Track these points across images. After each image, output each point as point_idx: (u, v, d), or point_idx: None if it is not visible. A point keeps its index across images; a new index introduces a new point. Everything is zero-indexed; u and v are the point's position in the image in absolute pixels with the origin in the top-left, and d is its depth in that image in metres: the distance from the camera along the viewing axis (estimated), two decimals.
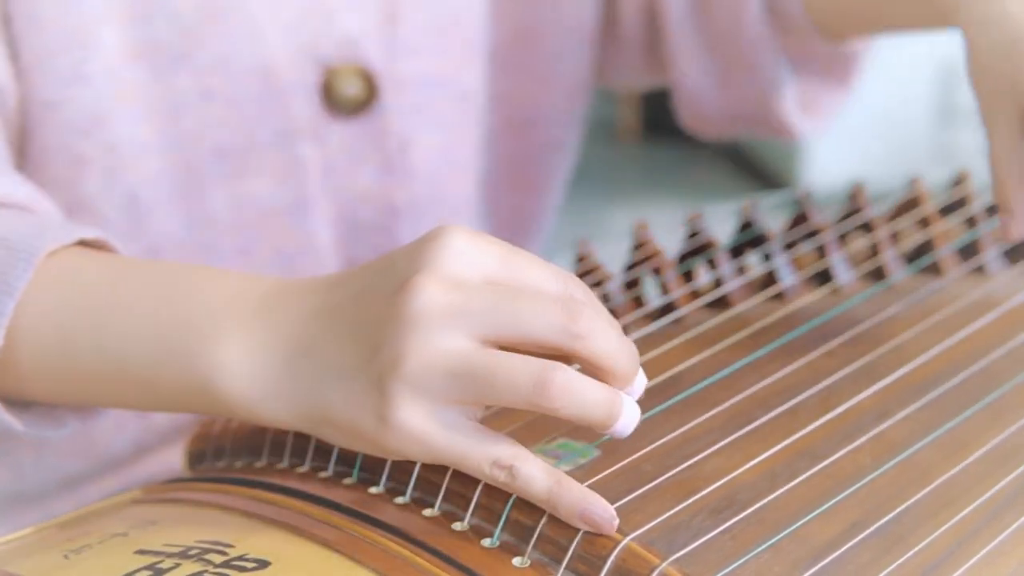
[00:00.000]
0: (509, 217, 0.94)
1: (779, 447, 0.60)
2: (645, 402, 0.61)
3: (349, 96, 0.79)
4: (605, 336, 0.53)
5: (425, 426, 0.53)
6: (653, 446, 0.59)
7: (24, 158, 0.75)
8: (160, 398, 0.60)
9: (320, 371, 0.55)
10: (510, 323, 0.52)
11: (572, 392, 0.52)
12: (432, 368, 0.52)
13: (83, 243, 0.65)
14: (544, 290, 0.53)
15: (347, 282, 0.56)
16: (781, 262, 0.78)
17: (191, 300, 0.59)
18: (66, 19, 0.72)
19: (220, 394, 0.57)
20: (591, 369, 0.53)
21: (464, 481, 0.56)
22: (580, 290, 0.54)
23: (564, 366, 0.52)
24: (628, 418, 0.54)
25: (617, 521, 0.53)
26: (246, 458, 0.64)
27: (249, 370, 0.56)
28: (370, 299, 0.54)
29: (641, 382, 0.56)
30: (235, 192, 0.78)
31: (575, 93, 0.91)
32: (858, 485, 0.58)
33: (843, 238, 0.82)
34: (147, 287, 0.62)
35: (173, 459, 0.79)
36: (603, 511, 0.52)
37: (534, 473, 0.53)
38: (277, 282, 0.59)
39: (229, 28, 0.76)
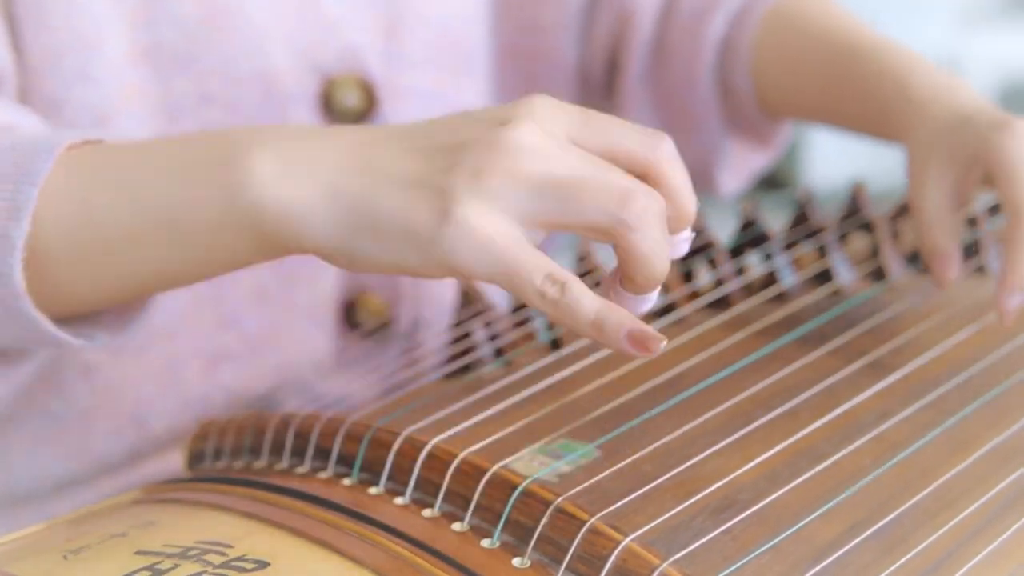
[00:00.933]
0: None
1: (780, 447, 0.60)
2: (645, 402, 0.62)
3: (348, 106, 0.80)
4: (651, 236, 0.53)
5: (488, 227, 0.52)
6: (653, 446, 0.59)
7: None
8: (187, 242, 0.58)
9: (374, 182, 0.54)
10: (595, 175, 0.53)
11: (650, 222, 0.53)
12: (517, 182, 0.52)
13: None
14: (627, 150, 0.55)
15: (422, 122, 0.56)
16: (781, 262, 0.78)
17: (222, 134, 0.58)
18: (73, 20, 0.73)
19: (251, 208, 0.55)
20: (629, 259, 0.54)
21: (464, 481, 0.56)
22: (668, 145, 0.55)
23: (651, 191, 0.53)
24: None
25: (665, 341, 0.53)
26: (245, 458, 0.64)
27: (286, 179, 0.55)
28: (456, 129, 0.55)
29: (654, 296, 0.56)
30: None
31: None
32: (859, 485, 0.58)
33: (843, 238, 0.82)
34: (172, 141, 0.61)
35: (170, 465, 0.79)
36: (651, 330, 0.53)
37: (585, 291, 0.53)
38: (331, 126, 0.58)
39: (231, 34, 0.76)
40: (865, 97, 0.79)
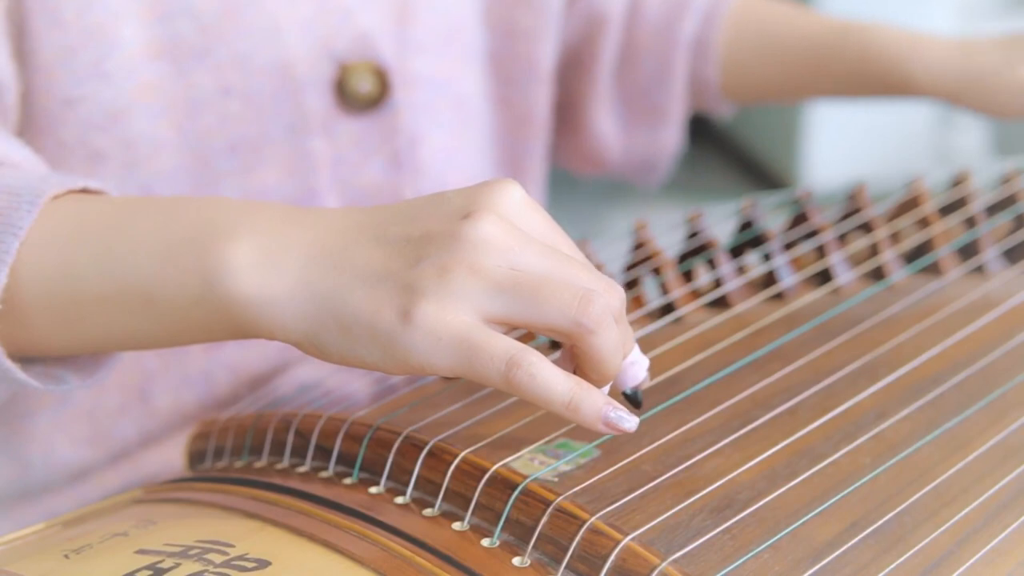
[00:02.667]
0: None
1: (779, 447, 0.60)
2: (645, 402, 0.62)
3: (362, 92, 0.80)
4: (609, 338, 0.54)
5: (448, 323, 0.52)
6: (653, 446, 0.59)
7: (39, 153, 0.75)
8: (161, 316, 0.58)
9: (342, 276, 0.54)
10: (556, 274, 0.54)
11: (609, 324, 0.53)
12: (478, 279, 0.53)
13: (86, 192, 0.65)
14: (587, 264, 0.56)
15: (390, 208, 0.56)
16: (781, 262, 0.78)
17: (202, 211, 0.58)
18: (86, 17, 0.73)
19: (225, 295, 0.56)
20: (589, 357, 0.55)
21: (464, 481, 0.56)
22: (616, 296, 0.55)
23: (611, 287, 0.54)
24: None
25: (637, 422, 0.54)
26: (246, 457, 0.64)
27: (260, 270, 0.55)
28: (421, 220, 0.55)
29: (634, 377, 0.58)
30: (246, 185, 0.79)
31: (526, 125, 0.94)
32: (858, 485, 0.58)
33: (843, 238, 0.82)
34: (154, 210, 0.61)
35: (175, 453, 0.79)
36: (627, 413, 0.54)
37: (555, 374, 0.53)
38: (306, 206, 0.58)
39: (248, 25, 0.76)
40: (867, 61, 0.91)
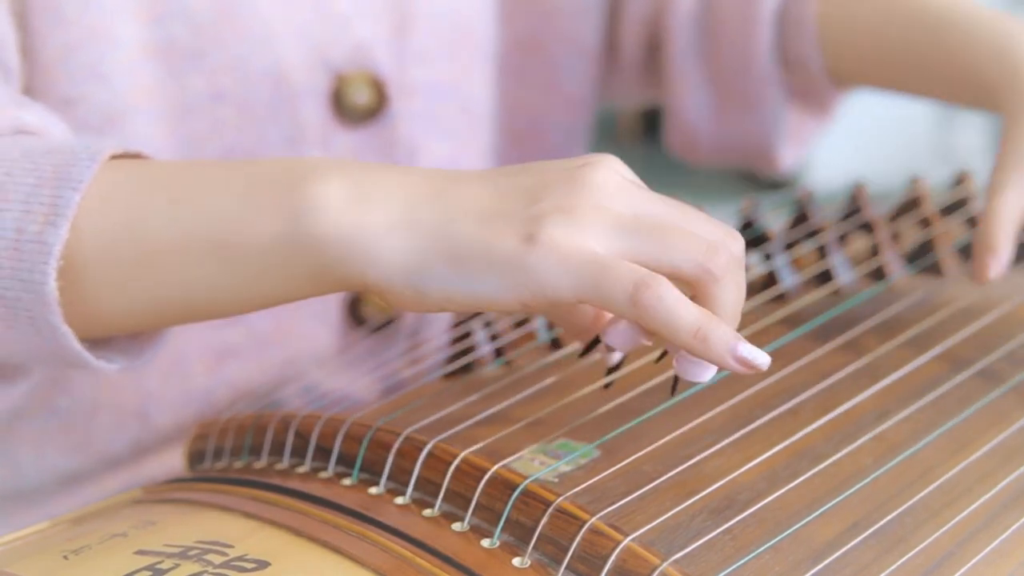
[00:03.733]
0: None
1: (779, 447, 0.60)
2: (645, 402, 0.62)
3: (359, 104, 0.79)
4: (734, 286, 0.54)
5: (575, 244, 0.51)
6: (653, 446, 0.59)
7: None
8: (235, 261, 0.55)
9: (452, 211, 0.52)
10: (680, 223, 0.53)
11: (733, 275, 0.53)
12: (605, 218, 0.52)
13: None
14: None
15: (495, 169, 0.55)
16: (781, 262, 0.78)
17: (283, 160, 0.56)
18: (86, 15, 0.72)
19: (314, 230, 0.53)
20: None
21: (464, 481, 0.56)
22: (739, 246, 0.55)
23: (735, 239, 0.54)
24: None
25: (770, 361, 0.53)
26: (246, 458, 0.64)
27: (355, 205, 0.52)
28: (534, 172, 0.54)
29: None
30: None
31: (576, 106, 0.92)
32: (859, 485, 0.58)
33: (843, 238, 0.82)
34: (227, 164, 0.58)
35: (173, 460, 0.79)
36: (758, 351, 0.53)
37: (684, 301, 0.52)
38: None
39: (242, 30, 0.76)
40: (957, 66, 0.77)
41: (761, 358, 0.53)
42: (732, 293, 0.54)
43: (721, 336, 0.52)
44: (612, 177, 0.53)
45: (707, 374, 0.55)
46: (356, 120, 0.80)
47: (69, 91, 0.73)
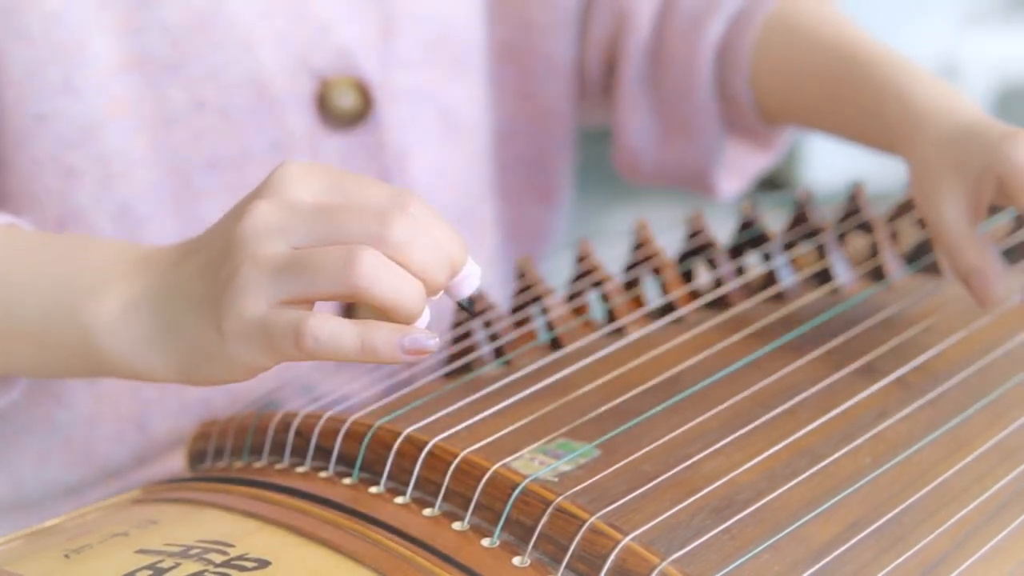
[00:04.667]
0: (515, 227, 0.94)
1: (779, 447, 0.60)
2: (645, 402, 0.62)
3: (344, 107, 0.79)
4: (416, 240, 0.54)
5: (247, 319, 0.54)
6: (653, 446, 0.59)
7: (13, 170, 0.75)
8: (49, 358, 0.62)
9: (182, 311, 0.57)
10: (329, 231, 0.54)
11: (381, 272, 0.53)
12: (257, 270, 0.54)
13: None
14: (369, 206, 0.55)
15: (208, 230, 0.58)
16: (781, 262, 0.78)
17: (78, 258, 0.61)
18: (54, 33, 0.72)
19: (100, 350, 0.59)
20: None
21: (464, 481, 0.56)
22: (414, 203, 0.55)
23: (376, 251, 0.54)
24: (424, 320, 0.55)
25: (438, 339, 0.54)
26: (246, 458, 0.64)
27: (124, 325, 0.58)
28: (206, 244, 0.57)
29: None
30: (229, 203, 0.78)
31: (549, 118, 0.92)
32: (858, 485, 0.58)
33: (843, 238, 0.82)
34: (39, 248, 0.63)
35: (173, 468, 0.79)
36: (422, 333, 0.54)
37: (339, 326, 0.54)
38: (151, 247, 0.61)
39: (220, 39, 0.76)
40: (865, 110, 0.78)
41: (429, 341, 0.54)
42: (388, 290, 0.54)
43: (384, 339, 0.54)
44: (263, 218, 0.55)
45: (469, 287, 0.57)
46: (342, 124, 0.80)
47: (40, 107, 0.73)
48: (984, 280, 0.68)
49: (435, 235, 0.55)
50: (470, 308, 0.58)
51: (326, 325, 0.53)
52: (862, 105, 0.78)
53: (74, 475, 0.80)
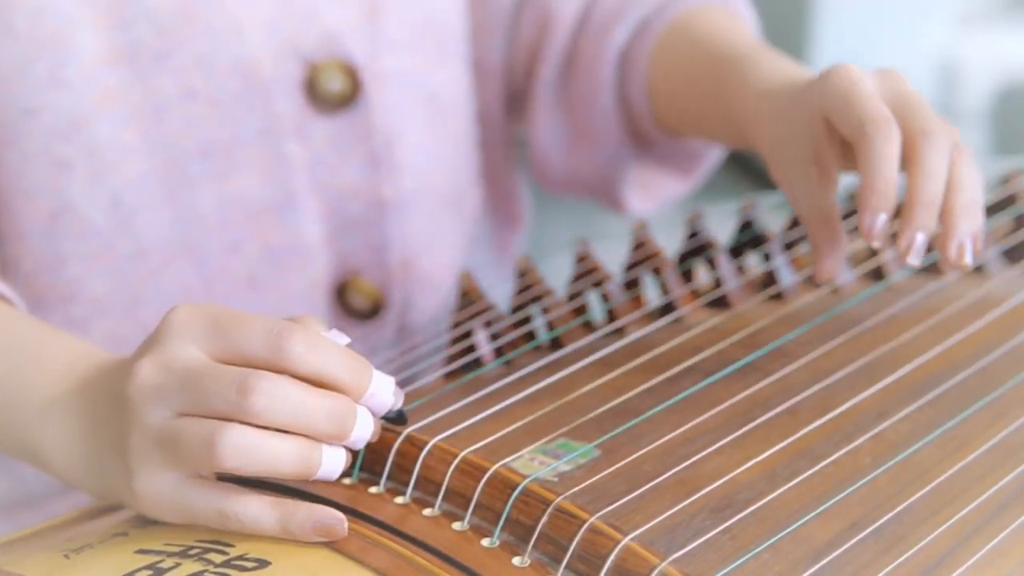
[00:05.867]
0: (496, 207, 0.94)
1: (779, 447, 0.60)
2: (645, 402, 0.62)
3: (333, 91, 0.80)
4: (276, 405, 0.55)
5: (159, 490, 0.56)
6: (653, 446, 0.59)
7: (4, 165, 0.75)
8: (5, 448, 0.65)
9: (108, 455, 0.59)
10: (196, 400, 0.55)
11: (243, 451, 0.54)
12: (145, 441, 0.56)
13: None
14: (228, 374, 0.55)
15: (134, 352, 0.59)
16: (781, 262, 0.78)
17: (29, 375, 0.63)
18: (39, 26, 0.73)
19: (49, 468, 0.62)
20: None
21: (464, 481, 0.56)
22: (294, 338, 0.55)
23: (241, 427, 0.55)
24: (329, 466, 0.57)
25: (346, 523, 0.55)
26: None
27: (64, 453, 0.61)
28: (122, 377, 0.58)
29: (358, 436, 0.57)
30: (221, 190, 0.78)
31: (484, 120, 0.92)
32: (858, 485, 0.58)
33: None
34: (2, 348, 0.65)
35: None
36: (331, 516, 0.55)
37: (259, 511, 0.55)
38: (100, 361, 0.62)
39: (208, 26, 0.76)
40: (723, 115, 0.78)
41: (336, 522, 0.55)
42: (284, 414, 0.55)
43: (299, 521, 0.55)
44: (145, 381, 0.56)
45: (382, 403, 0.58)
46: (331, 108, 0.80)
47: (29, 101, 0.74)
48: (830, 255, 0.68)
49: (318, 374, 0.56)
50: (396, 420, 0.59)
51: (249, 507, 0.55)
52: (720, 110, 0.79)
53: None
